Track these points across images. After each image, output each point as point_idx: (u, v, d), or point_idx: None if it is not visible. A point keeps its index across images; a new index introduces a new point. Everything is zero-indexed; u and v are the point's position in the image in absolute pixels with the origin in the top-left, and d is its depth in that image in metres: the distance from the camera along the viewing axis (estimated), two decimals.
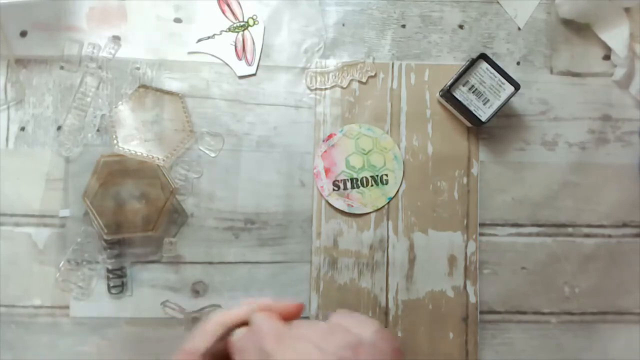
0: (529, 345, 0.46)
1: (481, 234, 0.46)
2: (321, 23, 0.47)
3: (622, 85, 0.47)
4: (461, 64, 0.45)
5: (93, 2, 0.46)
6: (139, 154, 0.44)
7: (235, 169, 0.46)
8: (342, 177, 0.46)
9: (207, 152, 0.45)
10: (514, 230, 0.47)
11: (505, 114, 0.46)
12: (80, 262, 0.44)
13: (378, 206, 0.46)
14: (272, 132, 0.46)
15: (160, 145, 0.45)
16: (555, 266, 0.47)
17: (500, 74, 0.44)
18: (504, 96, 0.44)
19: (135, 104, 0.45)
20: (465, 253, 0.46)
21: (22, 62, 0.45)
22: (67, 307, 0.44)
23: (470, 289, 0.46)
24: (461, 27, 0.48)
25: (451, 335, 0.45)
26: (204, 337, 0.31)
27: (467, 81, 0.44)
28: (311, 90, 0.47)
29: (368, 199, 0.46)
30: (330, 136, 0.46)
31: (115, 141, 0.44)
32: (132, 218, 0.44)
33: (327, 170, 0.46)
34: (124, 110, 0.45)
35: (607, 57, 0.48)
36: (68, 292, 0.44)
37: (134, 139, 0.44)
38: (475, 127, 0.46)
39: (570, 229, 0.47)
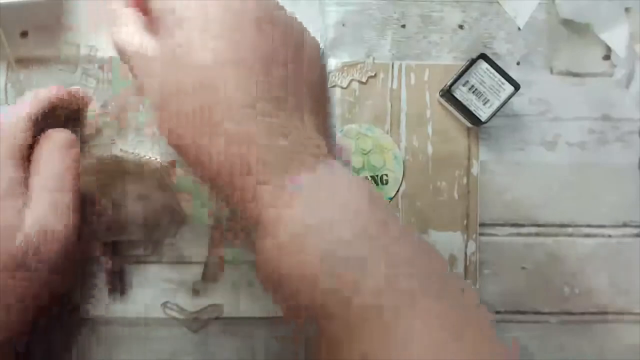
0: (529, 345, 0.46)
1: (481, 234, 0.46)
2: (321, 23, 0.47)
3: (622, 85, 0.47)
4: (461, 64, 0.45)
5: (93, 2, 0.46)
6: (135, 154, 0.44)
7: None
8: None
9: None
10: (514, 230, 0.47)
11: (505, 114, 0.46)
12: None
13: None
14: None
15: (158, 145, 0.45)
16: (555, 266, 0.47)
17: (500, 74, 0.44)
18: (503, 96, 0.44)
19: (131, 105, 0.45)
20: (465, 253, 0.46)
21: (22, 63, 0.45)
22: None
23: None
24: (461, 27, 0.48)
25: None
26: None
27: (467, 81, 0.44)
28: None
29: None
30: None
31: (111, 142, 0.44)
32: (131, 219, 0.44)
33: None
34: (120, 111, 0.45)
35: (607, 57, 0.48)
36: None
37: (130, 140, 0.44)
38: (475, 127, 0.46)
39: (570, 229, 0.47)
